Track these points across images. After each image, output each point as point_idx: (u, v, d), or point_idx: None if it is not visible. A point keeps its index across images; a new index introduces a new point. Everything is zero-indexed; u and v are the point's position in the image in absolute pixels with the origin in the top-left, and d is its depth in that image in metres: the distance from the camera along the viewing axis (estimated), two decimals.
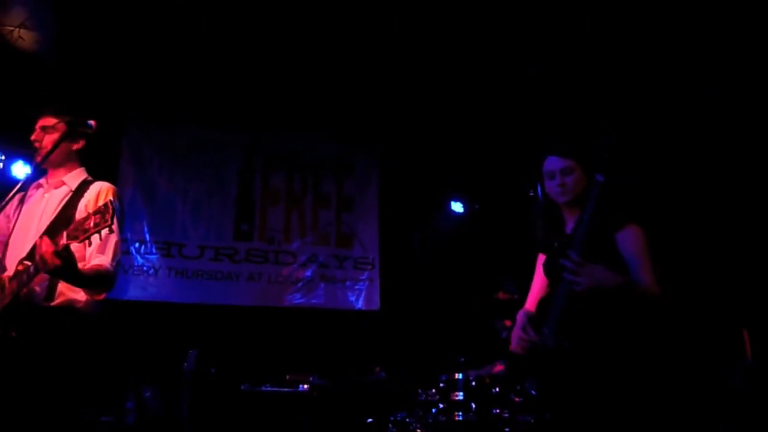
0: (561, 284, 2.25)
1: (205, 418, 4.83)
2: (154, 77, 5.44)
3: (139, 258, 5.94)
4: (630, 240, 2.27)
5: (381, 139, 6.63)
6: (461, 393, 3.92)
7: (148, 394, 4.84)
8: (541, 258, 2.62)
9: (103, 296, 2.52)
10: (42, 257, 2.17)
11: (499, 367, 4.35)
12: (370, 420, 4.21)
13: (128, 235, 5.88)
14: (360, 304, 6.47)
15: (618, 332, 2.21)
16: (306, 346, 5.81)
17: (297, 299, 6.31)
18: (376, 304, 6.50)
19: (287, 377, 5.12)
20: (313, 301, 6.35)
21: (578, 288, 2.15)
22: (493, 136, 6.07)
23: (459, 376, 3.97)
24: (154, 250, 6.00)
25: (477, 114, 5.87)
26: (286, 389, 5.06)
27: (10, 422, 2.27)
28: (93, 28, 4.78)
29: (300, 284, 6.35)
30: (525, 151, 5.76)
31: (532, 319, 2.41)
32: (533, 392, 2.32)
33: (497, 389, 3.90)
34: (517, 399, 3.76)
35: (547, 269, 2.50)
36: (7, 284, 2.36)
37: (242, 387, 5.00)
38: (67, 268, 2.21)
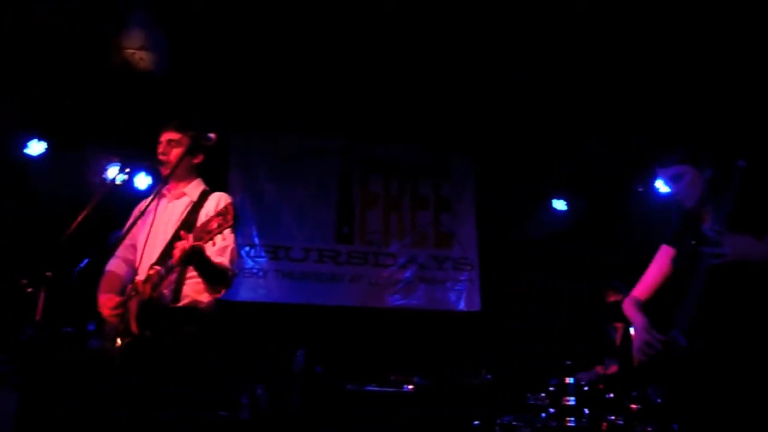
0: (696, 276, 2.07)
1: (313, 415, 4.97)
2: (256, 88, 5.68)
3: (249, 261, 6.24)
4: None
5: (476, 143, 6.53)
6: (572, 398, 3.78)
7: (260, 391, 5.06)
8: (666, 250, 2.46)
9: (222, 293, 2.68)
10: (183, 251, 2.36)
11: (612, 368, 4.15)
12: (476, 423, 4.16)
13: (239, 239, 6.17)
14: (461, 305, 6.42)
15: (762, 328, 2.02)
16: (408, 347, 5.84)
17: (398, 300, 6.36)
18: (477, 305, 6.42)
19: (391, 378, 5.17)
20: (414, 302, 6.38)
21: (722, 260, 1.98)
22: (595, 132, 5.81)
23: (570, 380, 3.83)
24: (262, 254, 6.27)
25: (574, 113, 5.64)
26: (390, 389, 5.11)
27: (139, 412, 2.46)
28: (198, 44, 5.07)
29: (400, 285, 6.40)
30: (630, 144, 5.50)
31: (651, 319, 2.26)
32: (658, 400, 2.18)
33: (611, 395, 3.72)
34: (633, 406, 3.57)
35: (679, 263, 2.33)
36: (140, 287, 2.55)
37: (348, 386, 5.10)
38: (200, 256, 2.41)
